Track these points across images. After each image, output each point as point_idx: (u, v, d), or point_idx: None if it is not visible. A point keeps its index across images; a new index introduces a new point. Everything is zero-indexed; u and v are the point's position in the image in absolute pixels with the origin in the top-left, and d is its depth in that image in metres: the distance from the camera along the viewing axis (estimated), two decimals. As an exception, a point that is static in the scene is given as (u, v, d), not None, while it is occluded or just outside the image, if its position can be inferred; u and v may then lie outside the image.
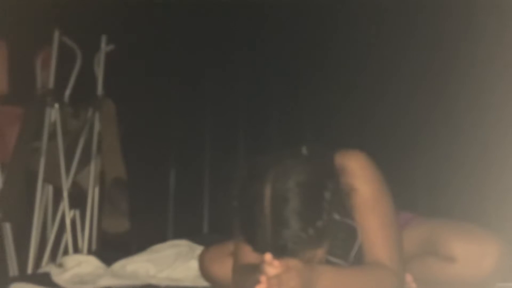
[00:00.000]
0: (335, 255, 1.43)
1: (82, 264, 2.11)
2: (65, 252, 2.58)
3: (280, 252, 1.24)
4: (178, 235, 2.40)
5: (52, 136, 2.65)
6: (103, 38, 2.82)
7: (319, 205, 1.28)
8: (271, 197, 1.27)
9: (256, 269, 1.30)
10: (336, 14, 2.71)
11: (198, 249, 2.07)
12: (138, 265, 2.09)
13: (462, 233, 1.49)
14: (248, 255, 1.43)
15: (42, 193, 2.64)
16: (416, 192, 2.58)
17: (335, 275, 1.29)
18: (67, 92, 2.77)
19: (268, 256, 1.22)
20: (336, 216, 1.33)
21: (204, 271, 1.75)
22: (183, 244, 2.20)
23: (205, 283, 1.80)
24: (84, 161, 2.68)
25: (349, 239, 1.42)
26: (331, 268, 1.32)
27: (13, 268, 2.54)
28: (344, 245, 1.43)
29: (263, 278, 1.20)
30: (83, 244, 2.62)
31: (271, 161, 1.33)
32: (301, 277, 1.21)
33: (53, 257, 2.55)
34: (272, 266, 1.21)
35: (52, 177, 2.64)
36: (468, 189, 2.47)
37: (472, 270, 1.43)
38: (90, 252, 2.54)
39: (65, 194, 2.60)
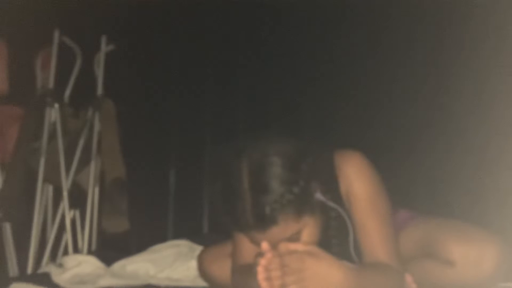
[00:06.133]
0: (333, 246, 1.44)
1: (82, 264, 2.11)
2: (65, 252, 2.58)
3: (260, 221, 1.26)
4: (178, 235, 2.40)
5: (52, 136, 2.65)
6: (103, 38, 2.82)
7: (295, 173, 1.29)
8: (248, 169, 1.28)
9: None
10: (337, 15, 2.71)
11: (198, 249, 2.07)
12: (138, 265, 2.09)
13: (461, 235, 1.48)
14: (246, 249, 1.44)
15: (42, 193, 2.64)
16: (416, 192, 2.57)
17: (359, 275, 1.25)
18: (67, 92, 2.78)
19: (264, 245, 1.25)
20: (320, 196, 1.33)
21: (203, 272, 1.75)
22: (183, 244, 2.20)
23: (204, 283, 1.80)
24: (84, 161, 2.68)
25: (342, 229, 1.42)
26: (352, 266, 1.30)
27: (13, 268, 2.54)
28: (338, 234, 1.44)
29: (259, 269, 1.22)
30: (83, 244, 2.62)
31: (247, 141, 1.34)
32: (306, 261, 1.20)
33: (53, 257, 2.55)
34: (265, 255, 1.22)
35: (52, 177, 2.64)
36: (468, 188, 2.47)
37: (471, 273, 1.43)
38: (90, 252, 2.54)
39: (65, 194, 2.60)
